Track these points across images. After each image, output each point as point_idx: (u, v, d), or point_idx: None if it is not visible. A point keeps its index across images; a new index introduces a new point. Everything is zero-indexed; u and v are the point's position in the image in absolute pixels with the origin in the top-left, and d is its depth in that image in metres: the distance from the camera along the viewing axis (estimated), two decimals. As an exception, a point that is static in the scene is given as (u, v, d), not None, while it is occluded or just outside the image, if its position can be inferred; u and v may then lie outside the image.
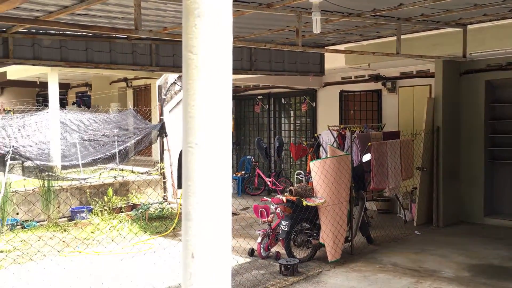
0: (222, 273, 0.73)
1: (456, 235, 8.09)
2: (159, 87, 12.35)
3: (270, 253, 7.07)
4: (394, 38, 6.34)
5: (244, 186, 12.06)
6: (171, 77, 12.32)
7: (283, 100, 12.68)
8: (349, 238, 7.13)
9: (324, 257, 6.76)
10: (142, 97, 15.66)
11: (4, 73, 15.07)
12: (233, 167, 13.06)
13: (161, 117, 12.15)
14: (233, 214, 9.89)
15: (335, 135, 8.77)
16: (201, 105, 0.72)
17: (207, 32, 0.73)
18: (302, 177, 9.39)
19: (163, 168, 11.89)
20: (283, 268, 6.28)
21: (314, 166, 6.70)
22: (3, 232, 8.46)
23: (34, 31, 5.48)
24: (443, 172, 8.72)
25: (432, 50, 7.41)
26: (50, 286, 5.71)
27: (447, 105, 8.70)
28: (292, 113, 12.62)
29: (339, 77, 11.13)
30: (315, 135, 9.63)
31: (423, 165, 8.66)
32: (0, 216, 8.47)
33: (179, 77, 12.38)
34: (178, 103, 12.43)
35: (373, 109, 10.66)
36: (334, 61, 8.69)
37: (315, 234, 6.85)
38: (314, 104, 11.83)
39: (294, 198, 6.66)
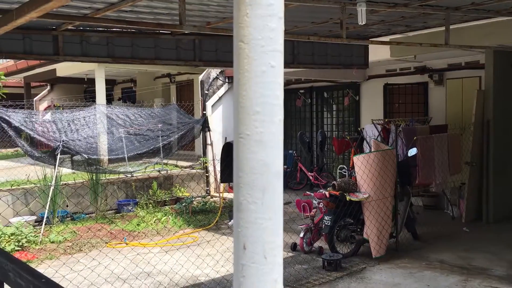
0: (274, 265, 0.71)
1: (507, 232, 7.77)
2: (202, 82, 12.47)
3: (313, 248, 7.02)
4: (442, 28, 6.12)
5: (286, 180, 12.03)
6: (214, 72, 12.42)
7: (325, 94, 12.54)
8: (394, 234, 6.99)
9: (368, 253, 6.65)
10: (185, 92, 15.88)
11: (54, 70, 15.63)
12: (275, 161, 13.02)
13: (204, 112, 12.28)
14: (275, 208, 9.85)
15: (379, 129, 8.59)
16: (253, 95, 0.71)
17: (258, 20, 0.71)
18: (345, 172, 9.27)
19: (205, 162, 12.03)
20: (326, 263, 6.23)
21: (358, 160, 6.59)
22: (54, 224, 8.79)
23: (82, 28, 5.63)
24: (493, 167, 8.38)
25: (483, 40, 7.12)
26: (98, 276, 5.89)
27: (498, 97, 8.35)
28: (334, 107, 12.46)
29: (384, 69, 10.89)
30: (359, 129, 9.48)
31: (472, 160, 8.36)
32: (51, 208, 8.80)
33: (221, 72, 12.46)
34: (220, 98, 12.52)
35: (419, 102, 10.38)
36: (378, 53, 8.51)
37: (358, 230, 6.75)
38: (357, 98, 11.63)
39: (337, 193, 6.58)
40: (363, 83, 11.44)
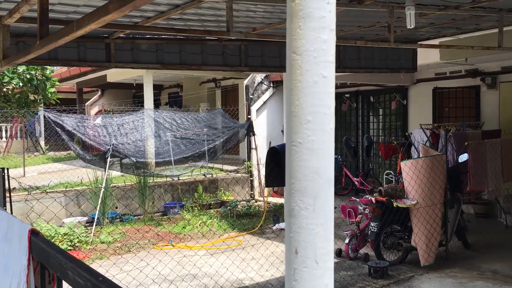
0: (325, 270, 0.73)
1: None
2: (247, 87, 12.58)
3: (358, 255, 6.93)
4: (495, 30, 5.92)
5: (331, 185, 11.90)
6: (258, 76, 12.51)
7: (371, 98, 12.36)
8: (443, 242, 6.79)
9: (416, 261, 6.50)
10: (230, 96, 16.07)
11: (104, 76, 16.20)
12: (319, 166, 12.94)
13: (249, 116, 12.38)
14: (320, 213, 9.78)
15: (428, 134, 8.39)
16: (305, 104, 0.73)
17: (311, 33, 0.74)
18: (391, 177, 9.10)
19: (250, 167, 12.11)
20: (372, 270, 6.14)
21: (406, 166, 6.46)
22: (104, 225, 9.09)
23: (132, 36, 5.83)
24: (551, 174, 7.99)
25: (539, 42, 6.82)
26: (146, 277, 6.05)
27: (555, 101, 7.97)
28: (381, 111, 12.26)
29: (432, 73, 10.62)
30: (406, 134, 9.28)
31: (527, 167, 8.00)
32: (102, 209, 9.12)
33: (266, 77, 12.53)
34: (265, 102, 12.60)
35: (470, 107, 10.06)
36: (427, 57, 8.32)
37: (406, 237, 6.61)
38: (404, 102, 11.40)
39: (384, 199, 6.48)
40: (411, 87, 11.20)
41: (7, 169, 5.16)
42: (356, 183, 11.47)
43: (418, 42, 7.07)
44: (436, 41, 7.34)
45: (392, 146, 10.12)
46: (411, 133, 9.00)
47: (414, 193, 6.40)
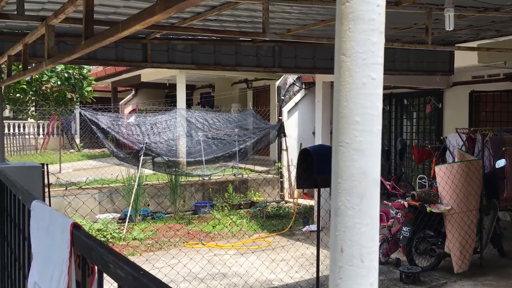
0: (371, 269, 0.74)
1: None
2: (279, 88, 12.59)
3: (390, 259, 6.85)
4: (537, 33, 5.75)
5: (362, 188, 11.77)
6: (290, 78, 12.50)
7: (405, 101, 12.18)
8: (478, 250, 6.64)
9: (449, 267, 6.37)
10: (261, 97, 16.11)
11: (139, 76, 16.50)
12: (351, 169, 12.81)
13: (280, 117, 12.38)
14: (351, 216, 9.69)
15: (464, 139, 8.21)
16: (353, 106, 0.75)
17: (360, 35, 0.75)
18: (425, 182, 8.95)
19: (280, 168, 12.12)
20: (403, 276, 6.05)
21: (440, 170, 6.35)
22: (136, 222, 9.27)
23: (168, 36, 5.93)
24: None
25: None
26: (177, 274, 6.13)
27: None
28: (415, 114, 12.06)
29: (470, 76, 10.38)
30: (441, 138, 9.11)
31: None
32: (134, 206, 9.30)
33: (298, 78, 12.51)
34: (296, 104, 12.58)
35: (508, 111, 9.79)
36: (464, 59, 8.14)
37: (439, 243, 6.49)
38: (440, 105, 11.19)
39: (417, 204, 6.38)
40: (447, 90, 10.99)
41: (47, 165, 5.33)
42: (388, 186, 11.32)
43: (456, 45, 6.93)
44: (474, 44, 7.17)
45: (426, 150, 9.94)
46: (446, 137, 8.83)
47: (448, 198, 6.28)
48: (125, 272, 1.55)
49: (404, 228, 6.47)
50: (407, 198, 6.81)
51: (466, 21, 5.37)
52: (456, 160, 6.66)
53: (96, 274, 1.95)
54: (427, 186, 8.35)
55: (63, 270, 2.05)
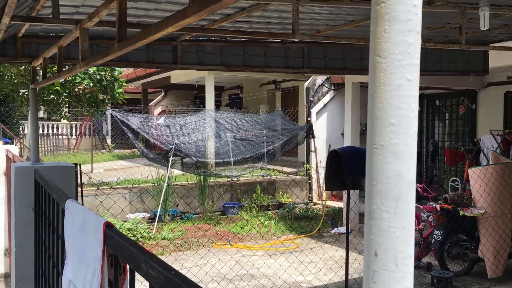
0: (406, 273, 0.73)
1: None
2: (307, 89, 12.54)
3: (421, 263, 6.72)
4: None
5: (392, 191, 11.60)
6: (319, 79, 12.42)
7: (437, 102, 11.94)
8: (513, 255, 6.46)
9: (482, 272, 6.21)
10: (290, 98, 16.07)
11: (168, 78, 16.71)
12: (380, 170, 12.64)
13: (308, 119, 12.32)
14: (380, 219, 9.55)
15: (499, 140, 7.99)
16: (388, 107, 0.73)
17: (397, 36, 0.74)
18: (457, 185, 8.75)
19: (309, 169, 12.06)
20: (435, 281, 5.93)
21: (474, 173, 6.20)
22: (165, 222, 9.37)
23: (198, 38, 5.98)
24: None
25: None
26: (206, 275, 6.17)
27: None
28: (447, 115, 11.81)
29: (505, 76, 10.10)
30: (475, 140, 8.89)
31: None
32: (164, 206, 9.41)
33: (327, 79, 12.43)
34: (325, 105, 12.49)
35: (545, 112, 9.48)
36: (499, 59, 7.92)
37: (472, 247, 6.33)
38: (473, 106, 10.92)
39: (450, 207, 6.24)
40: (481, 90, 10.72)
41: (80, 165, 5.45)
42: (419, 189, 11.11)
43: (491, 44, 6.76)
44: (510, 43, 6.98)
45: (459, 152, 9.72)
46: (480, 139, 8.62)
47: (482, 201, 6.13)
48: (157, 272, 1.57)
49: (436, 232, 6.34)
50: (439, 201, 6.68)
51: (501, 20, 5.23)
52: (490, 162, 6.49)
53: (128, 273, 1.98)
54: (460, 189, 8.17)
55: (96, 268, 2.09)
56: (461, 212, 6.12)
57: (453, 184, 9.52)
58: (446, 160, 10.33)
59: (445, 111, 11.83)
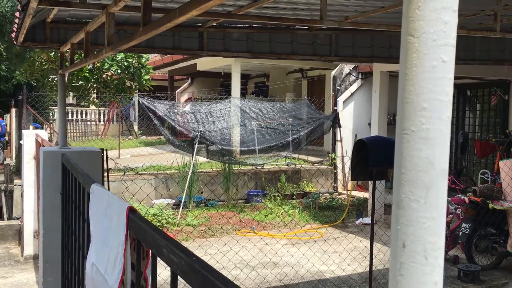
0: (435, 266, 0.69)
1: None
2: (334, 78, 12.38)
3: (447, 256, 6.60)
4: None
5: (419, 182, 11.40)
6: (347, 67, 12.25)
7: (468, 92, 11.64)
8: (544, 250, 6.27)
9: (511, 267, 6.06)
10: (316, 87, 15.92)
11: (195, 65, 16.75)
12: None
13: (335, 108, 12.19)
14: (406, 210, 9.42)
15: (532, 132, 7.74)
16: (421, 90, 0.69)
17: (431, 14, 0.69)
18: (487, 177, 8.54)
19: (334, 159, 11.95)
20: (462, 274, 5.82)
21: (505, 165, 6.02)
22: (190, 208, 9.45)
23: (224, 25, 5.94)
24: None
25: None
26: (229, 261, 6.20)
27: None
28: (478, 106, 11.50)
29: (540, 66, 9.75)
30: (507, 131, 8.64)
31: None
32: (188, 193, 9.48)
33: (355, 68, 12.24)
34: (352, 94, 12.33)
35: None
36: (535, 48, 7.63)
37: (501, 241, 6.17)
38: (506, 97, 10.60)
39: (479, 200, 6.09)
40: (513, 81, 10.39)
41: (106, 150, 5.51)
42: (448, 181, 10.87)
43: (526, 32, 6.51)
44: (547, 31, 6.71)
45: (489, 144, 9.46)
46: (512, 130, 8.37)
47: (513, 195, 5.96)
48: (178, 257, 1.56)
49: (464, 225, 6.20)
50: (468, 194, 6.52)
51: (539, 6, 5.02)
52: (522, 155, 6.30)
53: (150, 258, 1.98)
54: (489, 181, 7.97)
55: (119, 252, 2.10)
56: (490, 205, 5.96)
57: (482, 176, 9.30)
58: (476, 152, 10.08)
59: (477, 101, 11.52)
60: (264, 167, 11.27)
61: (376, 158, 4.71)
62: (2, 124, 16.58)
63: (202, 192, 10.14)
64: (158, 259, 1.82)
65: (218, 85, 21.27)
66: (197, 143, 10.08)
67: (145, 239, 1.87)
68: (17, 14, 3.69)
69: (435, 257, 0.75)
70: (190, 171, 9.44)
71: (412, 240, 0.75)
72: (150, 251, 1.86)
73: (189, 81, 21.44)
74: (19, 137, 10.92)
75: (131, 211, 2.05)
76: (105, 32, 2.89)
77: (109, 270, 2.18)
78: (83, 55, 4.06)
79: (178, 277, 1.53)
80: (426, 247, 0.75)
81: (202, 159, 10.81)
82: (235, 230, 8.13)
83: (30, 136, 7.16)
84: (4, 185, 9.44)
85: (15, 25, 4.10)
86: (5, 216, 9.13)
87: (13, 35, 4.71)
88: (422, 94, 0.74)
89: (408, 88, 0.75)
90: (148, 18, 2.17)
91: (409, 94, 0.75)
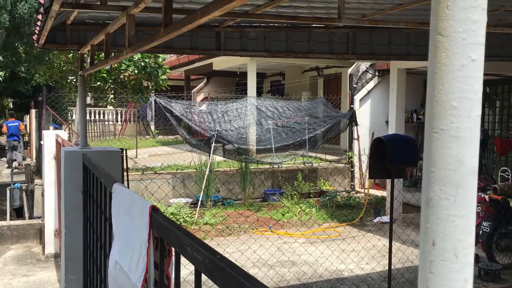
0: (465, 264, 0.69)
1: None
2: (351, 76, 12.32)
3: (467, 255, 6.53)
4: None
5: (437, 180, 11.29)
6: (363, 65, 12.18)
7: (487, 89, 11.48)
8: None
9: (533, 266, 5.98)
10: (332, 85, 15.86)
11: (210, 64, 16.81)
12: (425, 159, 12.34)
13: (351, 106, 12.13)
14: (425, 209, 9.34)
15: (553, 129, 7.61)
16: (450, 89, 0.69)
17: (460, 12, 0.69)
18: (508, 175, 8.42)
19: (351, 157, 11.90)
20: (482, 273, 5.76)
21: (526, 163, 5.93)
22: (207, 207, 9.50)
23: (241, 24, 5.96)
24: None
25: None
26: (247, 260, 6.22)
27: None
28: (498, 103, 11.34)
29: (561, 62, 9.57)
30: (527, 128, 8.50)
31: None
32: (206, 192, 9.53)
33: (371, 65, 12.17)
34: (369, 92, 12.25)
35: None
36: (556, 44, 7.49)
37: (523, 240, 6.09)
38: (526, 94, 10.43)
39: (499, 198, 6.02)
40: (534, 77, 10.22)
41: (126, 150, 5.57)
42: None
43: (547, 28, 6.40)
44: None
45: (510, 141, 9.33)
46: (533, 127, 8.24)
47: (535, 193, 5.87)
48: (202, 255, 1.58)
49: (484, 223, 6.13)
50: (488, 192, 6.45)
51: (561, 1, 4.93)
52: (544, 152, 6.20)
53: (173, 256, 2.01)
54: (510, 179, 7.85)
55: (142, 251, 2.13)
56: (511, 203, 5.88)
57: (503, 174, 9.17)
58: (496, 149, 9.95)
59: (496, 98, 11.36)
60: (281, 166, 11.27)
61: (394, 156, 4.69)
62: (11, 125, 17.02)
63: (219, 191, 10.18)
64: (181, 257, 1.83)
65: (234, 84, 21.31)
66: (213, 142, 10.11)
67: (168, 238, 1.89)
68: (39, 16, 3.75)
69: (465, 254, 0.75)
70: (207, 170, 9.49)
71: (442, 238, 0.75)
72: (173, 249, 1.88)
73: (204, 80, 21.53)
74: (39, 137, 11.10)
75: (154, 210, 2.08)
76: (126, 34, 2.93)
77: (132, 268, 2.21)
78: (101, 56, 4.11)
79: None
80: (456, 245, 0.75)
81: (218, 158, 10.85)
82: (253, 228, 8.15)
83: (50, 136, 7.28)
84: (25, 185, 9.61)
85: (37, 28, 4.17)
86: (26, 215, 9.29)
87: (34, 37, 4.79)
88: (452, 93, 0.75)
89: (438, 87, 0.76)
90: (169, 19, 2.20)
91: (438, 93, 0.76)
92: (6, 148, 16.59)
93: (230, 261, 1.55)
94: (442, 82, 0.75)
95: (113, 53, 5.04)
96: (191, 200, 9.78)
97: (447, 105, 0.75)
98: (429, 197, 0.77)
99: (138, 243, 2.19)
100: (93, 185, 3.31)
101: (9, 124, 16.98)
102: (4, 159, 16.83)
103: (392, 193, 5.08)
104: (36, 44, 4.94)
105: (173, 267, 1.96)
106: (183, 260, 1.65)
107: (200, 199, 9.23)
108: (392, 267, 4.97)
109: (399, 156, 4.67)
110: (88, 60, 6.08)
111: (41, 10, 3.36)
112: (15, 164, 14.91)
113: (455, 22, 0.74)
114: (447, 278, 0.75)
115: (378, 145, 4.92)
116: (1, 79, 17.75)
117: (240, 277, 1.33)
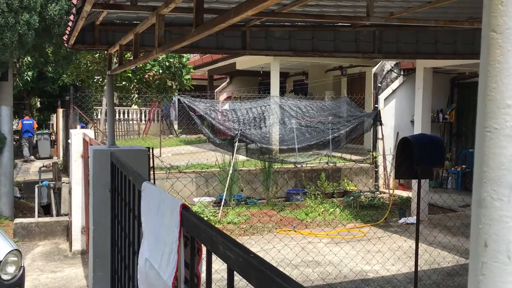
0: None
1: None
2: (375, 75, 12.20)
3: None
4: None
5: (465, 181, 11.13)
6: (388, 64, 12.04)
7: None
8: None
9: None
10: (356, 85, 15.73)
11: (234, 64, 16.85)
12: (452, 159, 12.15)
13: (376, 105, 12.01)
14: (452, 210, 9.22)
15: None
16: (504, 87, 0.67)
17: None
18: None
19: (375, 157, 11.78)
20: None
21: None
22: (230, 206, 9.52)
23: (266, 23, 5.95)
24: None
25: None
26: (272, 259, 6.21)
27: None
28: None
29: None
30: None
31: None
32: (230, 191, 9.56)
33: (396, 64, 12.02)
34: (394, 91, 12.11)
35: None
36: None
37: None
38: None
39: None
40: None
41: (152, 149, 5.63)
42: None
43: None
44: None
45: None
46: None
47: None
48: (235, 254, 1.57)
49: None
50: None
51: None
52: None
53: (204, 254, 2.01)
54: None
55: (173, 248, 2.14)
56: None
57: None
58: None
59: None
60: (304, 165, 11.23)
61: (421, 156, 4.62)
62: (26, 122, 18.58)
63: (242, 190, 10.19)
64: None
65: (257, 83, 21.32)
66: (237, 142, 10.14)
67: (199, 236, 1.90)
68: (71, 17, 3.81)
69: (518, 257, 0.73)
70: (231, 169, 9.51)
71: (494, 240, 0.74)
72: (204, 247, 1.89)
73: (228, 80, 21.60)
74: (66, 136, 11.30)
75: (185, 208, 2.09)
76: (156, 33, 2.95)
77: (163, 266, 2.23)
78: (128, 55, 4.15)
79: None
80: (510, 247, 0.73)
81: (241, 157, 10.86)
82: (276, 228, 8.14)
83: (77, 135, 7.40)
84: (53, 182, 9.80)
85: (68, 28, 4.24)
86: (54, 212, 9.47)
87: (64, 37, 4.87)
88: (506, 91, 0.73)
89: (491, 85, 0.74)
90: (200, 18, 2.21)
91: (491, 91, 0.74)
92: (23, 143, 17.94)
93: (264, 260, 1.55)
94: (496, 80, 0.73)
95: (141, 54, 5.09)
96: (215, 199, 9.82)
97: (501, 104, 0.73)
98: (482, 197, 0.75)
99: (169, 241, 2.21)
100: (121, 183, 3.35)
101: (24, 122, 18.69)
102: (27, 154, 17.96)
103: (419, 194, 5.00)
104: (66, 45, 5.02)
105: (206, 266, 1.96)
106: (219, 258, 1.65)
107: (224, 198, 9.26)
108: (418, 268, 4.91)
109: (426, 156, 4.61)
110: (115, 60, 6.16)
111: (73, 11, 3.41)
112: (27, 156, 15.99)
113: (509, 18, 0.72)
114: (500, 280, 0.74)
115: (405, 145, 4.86)
116: (29, 79, 18.16)
117: (276, 277, 1.33)
